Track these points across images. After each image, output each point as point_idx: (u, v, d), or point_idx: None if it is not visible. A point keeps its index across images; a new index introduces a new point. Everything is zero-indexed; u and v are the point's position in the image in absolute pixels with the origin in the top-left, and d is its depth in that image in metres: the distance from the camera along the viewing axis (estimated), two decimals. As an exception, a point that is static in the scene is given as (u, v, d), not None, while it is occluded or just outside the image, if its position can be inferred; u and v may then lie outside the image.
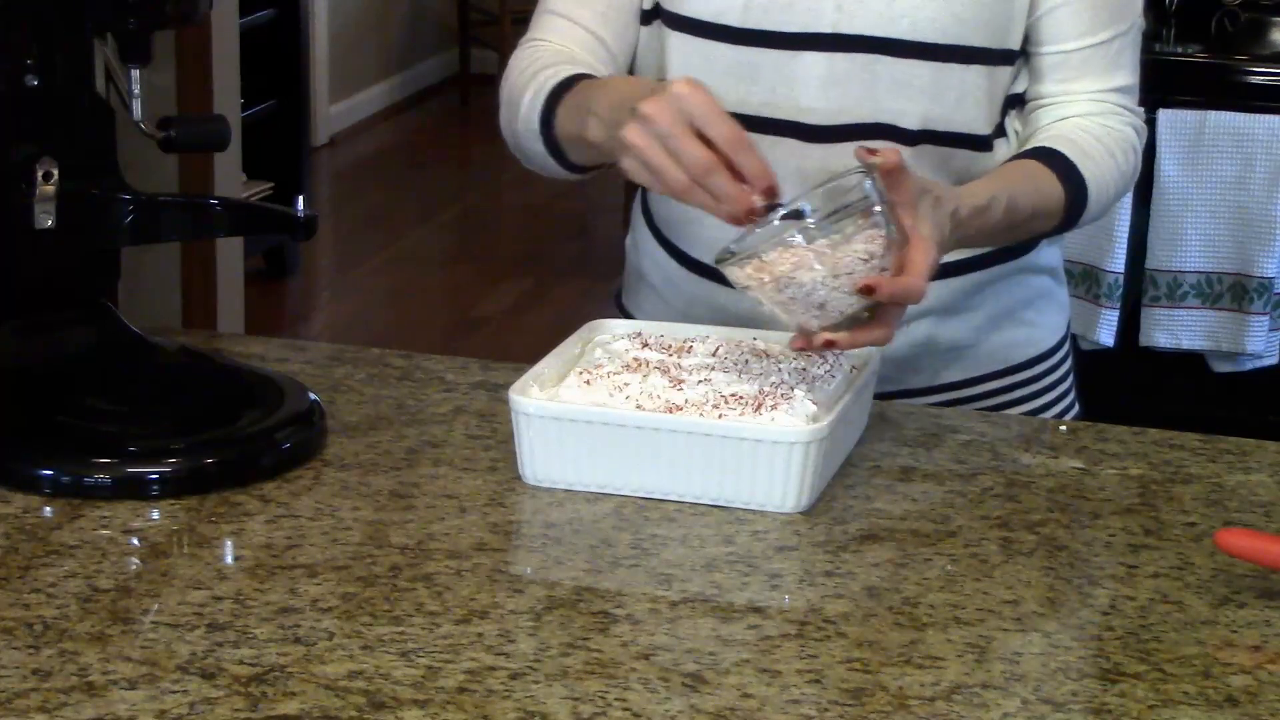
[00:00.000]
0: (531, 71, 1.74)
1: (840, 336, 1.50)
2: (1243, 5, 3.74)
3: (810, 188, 1.54)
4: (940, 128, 1.72)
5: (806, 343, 1.51)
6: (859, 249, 1.47)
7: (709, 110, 1.47)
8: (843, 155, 1.70)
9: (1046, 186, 1.70)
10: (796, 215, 1.50)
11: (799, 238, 1.46)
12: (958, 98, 1.72)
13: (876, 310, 1.51)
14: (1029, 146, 1.74)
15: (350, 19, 7.33)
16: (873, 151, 1.49)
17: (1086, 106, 1.76)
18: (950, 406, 1.80)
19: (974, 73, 1.72)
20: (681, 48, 1.74)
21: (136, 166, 1.74)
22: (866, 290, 1.47)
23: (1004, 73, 1.75)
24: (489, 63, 7.63)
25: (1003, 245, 1.77)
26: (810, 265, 1.46)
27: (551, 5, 1.81)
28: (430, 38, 8.00)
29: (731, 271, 1.50)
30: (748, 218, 1.48)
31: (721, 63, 1.72)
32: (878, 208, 1.47)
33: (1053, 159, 1.72)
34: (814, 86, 1.71)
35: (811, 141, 1.72)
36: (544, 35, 1.80)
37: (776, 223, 1.50)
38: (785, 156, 1.71)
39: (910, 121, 1.72)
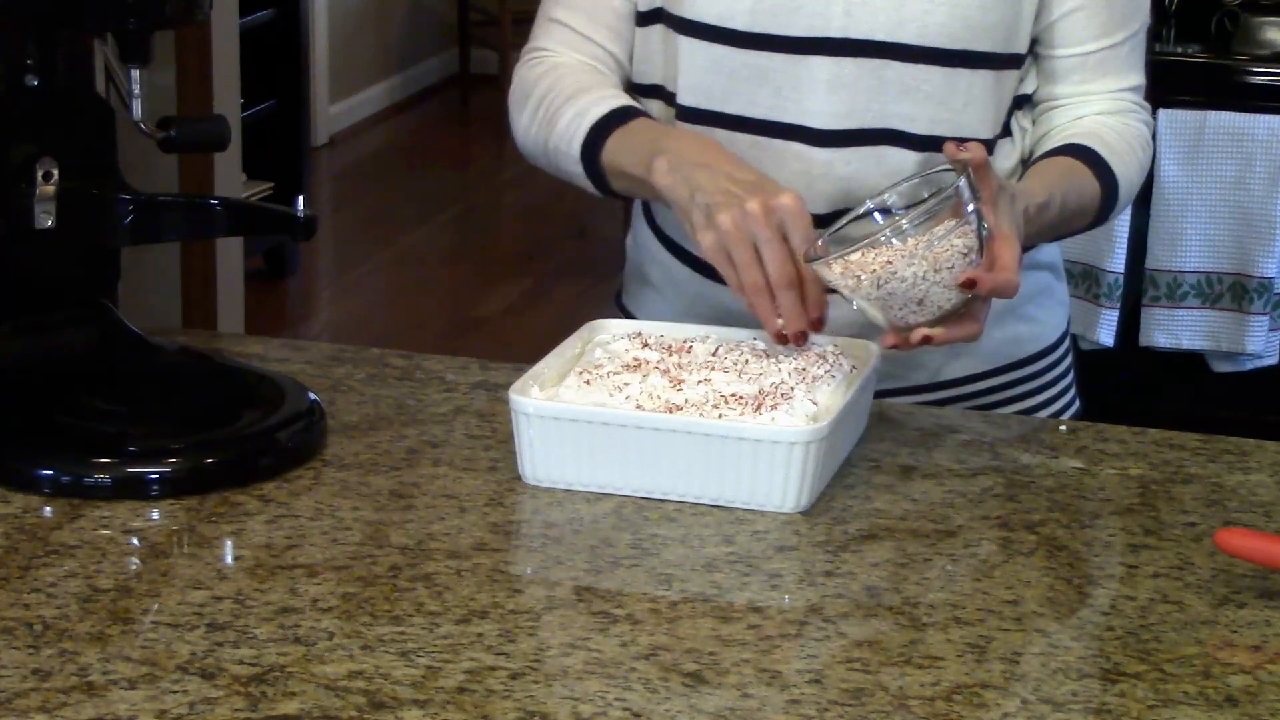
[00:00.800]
0: (568, 90, 1.74)
1: (937, 332, 1.53)
2: (1243, 5, 3.74)
3: (891, 186, 1.59)
4: (947, 132, 1.72)
5: (901, 340, 1.53)
6: (958, 244, 1.49)
7: (805, 232, 1.54)
8: (849, 160, 1.71)
9: (1087, 183, 1.73)
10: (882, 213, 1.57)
11: (891, 236, 1.49)
12: (965, 102, 1.72)
13: (968, 306, 1.53)
14: (1060, 143, 1.75)
15: (350, 19, 7.33)
16: (961, 147, 1.51)
17: (1105, 104, 1.78)
18: (953, 403, 1.80)
19: (981, 77, 1.72)
20: (691, 52, 1.74)
21: (136, 166, 1.74)
22: (969, 284, 1.51)
23: (1011, 76, 1.75)
24: (489, 63, 7.63)
25: (1048, 242, 1.80)
26: (910, 261, 1.48)
27: (557, 14, 1.80)
28: (430, 38, 8.00)
29: (824, 269, 1.52)
30: (793, 340, 1.56)
31: (728, 66, 1.72)
32: (971, 206, 1.50)
33: (1087, 156, 1.73)
34: (821, 91, 1.71)
35: (818, 146, 1.72)
36: (551, 45, 1.80)
37: (865, 217, 1.56)
38: (791, 160, 1.72)
39: (918, 126, 1.72)
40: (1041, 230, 1.68)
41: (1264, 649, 1.29)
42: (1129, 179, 1.76)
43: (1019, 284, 1.53)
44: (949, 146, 1.53)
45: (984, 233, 1.51)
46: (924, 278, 1.49)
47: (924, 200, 1.52)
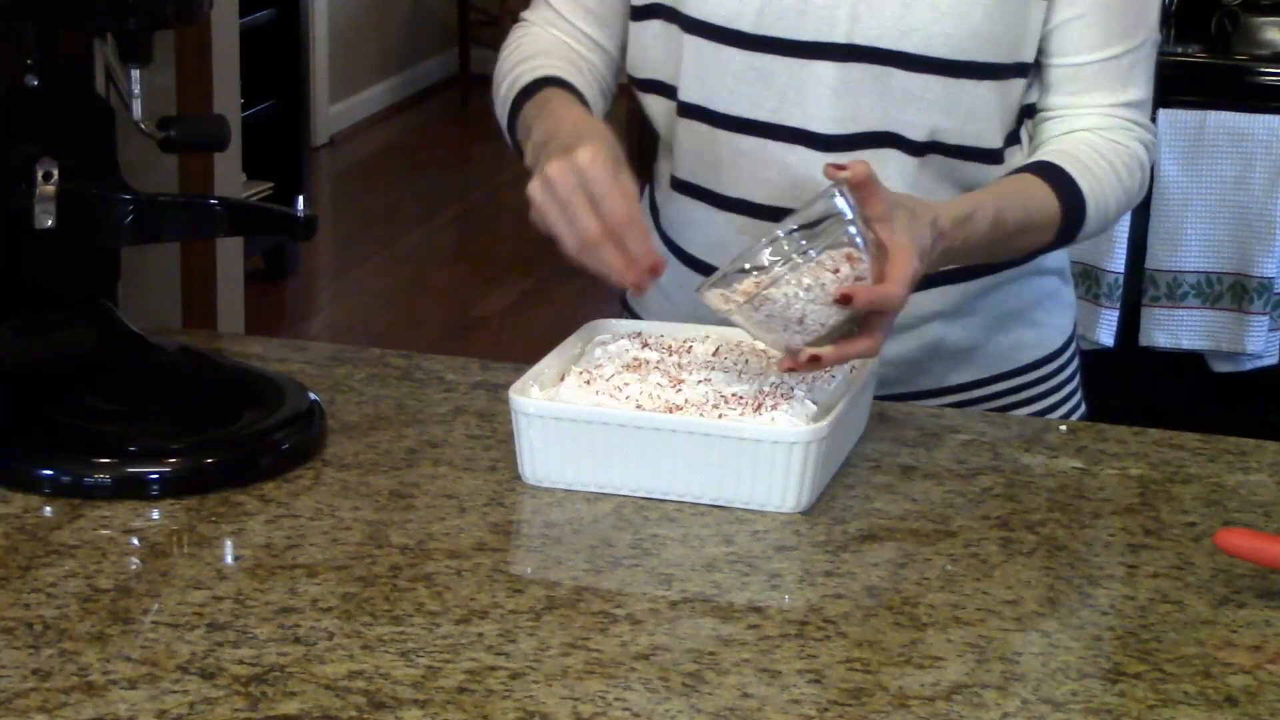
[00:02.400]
0: (513, 61, 1.80)
1: (825, 351, 1.50)
2: (1243, 5, 3.74)
3: (796, 212, 1.55)
4: (949, 140, 1.71)
5: (794, 362, 1.51)
6: (829, 260, 1.48)
7: (605, 185, 1.52)
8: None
9: (1040, 200, 1.69)
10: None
11: (771, 257, 1.49)
12: (969, 111, 1.71)
13: (863, 322, 1.51)
14: (1029, 161, 1.73)
15: (350, 19, 7.33)
16: (841, 167, 1.50)
17: (1095, 120, 1.74)
18: (960, 408, 1.79)
19: (986, 87, 1.71)
20: (696, 51, 1.74)
21: (136, 166, 1.74)
22: (844, 300, 1.48)
23: (1017, 85, 1.74)
24: (489, 63, 7.53)
25: (998, 260, 1.75)
26: (782, 281, 1.47)
27: None
28: (430, 38, 8.00)
29: (709, 298, 1.52)
30: (635, 289, 1.56)
31: (733, 67, 1.72)
32: (851, 225, 1.48)
33: (1050, 173, 1.70)
34: (825, 95, 1.70)
35: (820, 150, 1.71)
36: (535, 19, 1.86)
37: (759, 246, 1.54)
38: (793, 164, 1.71)
39: (920, 134, 1.71)
40: (975, 245, 1.64)
41: (1264, 649, 1.29)
42: (1101, 198, 1.71)
43: (903, 298, 1.50)
44: (828, 167, 1.51)
45: (866, 248, 1.48)
46: (797, 297, 1.47)
47: (797, 225, 1.51)
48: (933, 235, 1.56)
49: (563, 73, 1.77)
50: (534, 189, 1.54)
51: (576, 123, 1.64)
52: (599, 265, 1.54)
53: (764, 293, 1.47)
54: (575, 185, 1.52)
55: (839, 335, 1.50)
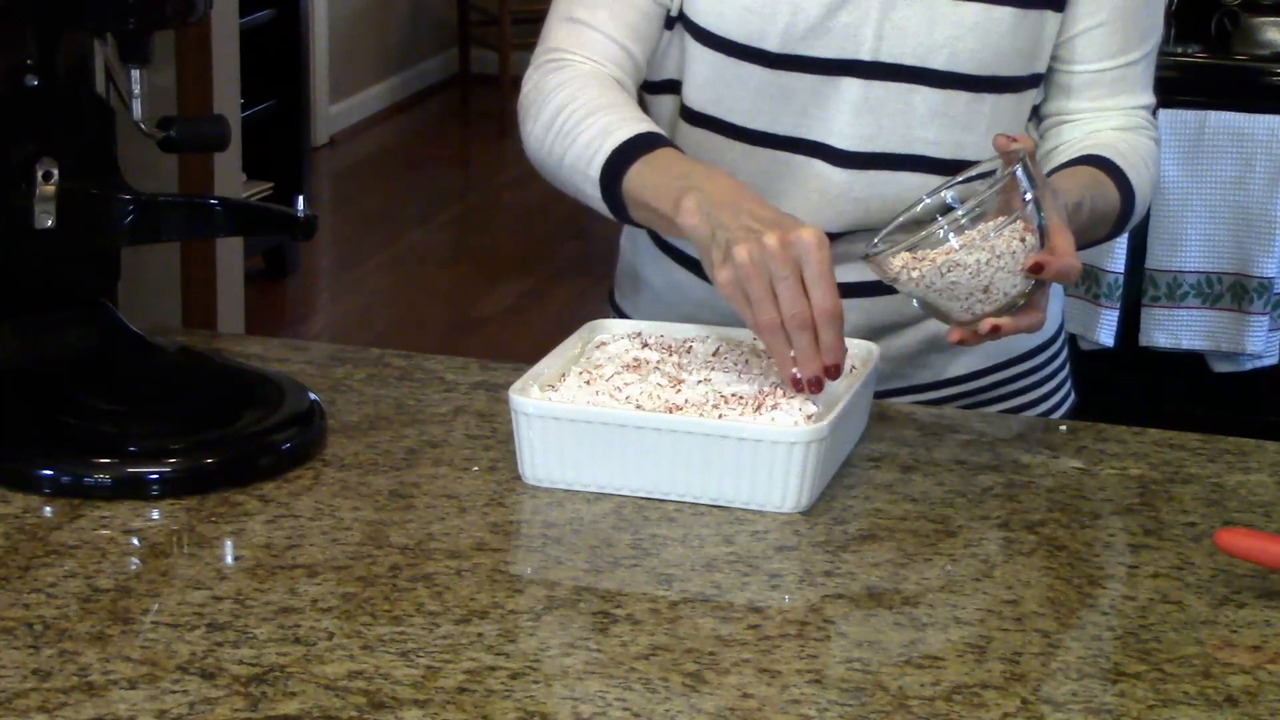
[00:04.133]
0: (590, 105, 1.67)
1: (1005, 321, 1.52)
2: (1243, 5, 3.74)
3: (943, 185, 1.58)
4: (969, 156, 1.71)
5: (968, 334, 1.53)
6: (1019, 229, 1.50)
7: (823, 272, 1.47)
8: (869, 182, 1.71)
9: (1110, 192, 1.72)
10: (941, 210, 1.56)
11: (949, 228, 1.50)
12: (988, 125, 1.72)
13: (1030, 295, 1.53)
14: (1079, 154, 1.75)
15: (350, 19, 7.33)
16: (1012, 139, 1.52)
17: (1119, 120, 1.78)
18: (956, 400, 1.80)
19: (1005, 100, 1.73)
20: (711, 64, 1.72)
21: (136, 166, 1.73)
22: (1035, 269, 1.50)
23: (1030, 95, 1.77)
24: (489, 63, 7.63)
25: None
26: (974, 248, 1.49)
27: (577, 13, 1.72)
28: (430, 38, 8.00)
29: (885, 263, 1.52)
30: (808, 387, 1.49)
31: (753, 83, 1.71)
32: (1029, 194, 1.50)
33: (1107, 166, 1.73)
34: (847, 112, 1.70)
35: (839, 166, 1.71)
36: (571, 48, 1.72)
37: (919, 211, 1.56)
38: (810, 179, 1.72)
39: (941, 151, 1.72)
40: (1076, 232, 1.65)
41: (1264, 649, 1.29)
42: (1144, 192, 1.76)
43: (1080, 268, 1.53)
44: (999, 138, 1.54)
45: (1042, 220, 1.52)
46: (987, 264, 1.50)
47: (979, 193, 1.53)
48: (1069, 215, 1.59)
49: (656, 128, 1.66)
50: (743, 252, 1.47)
51: (760, 198, 1.56)
52: (785, 347, 1.48)
53: (954, 258, 1.48)
54: (795, 262, 1.47)
55: (1011, 306, 1.53)
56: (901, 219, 1.58)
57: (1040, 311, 1.55)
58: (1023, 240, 1.50)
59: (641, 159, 1.62)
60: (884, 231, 1.56)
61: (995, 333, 1.52)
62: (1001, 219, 1.50)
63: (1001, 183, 1.51)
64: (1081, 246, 1.76)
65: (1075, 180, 1.70)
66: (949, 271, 1.50)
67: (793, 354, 1.48)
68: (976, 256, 1.49)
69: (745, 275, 1.48)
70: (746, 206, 1.53)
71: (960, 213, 1.51)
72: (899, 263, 1.51)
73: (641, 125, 1.65)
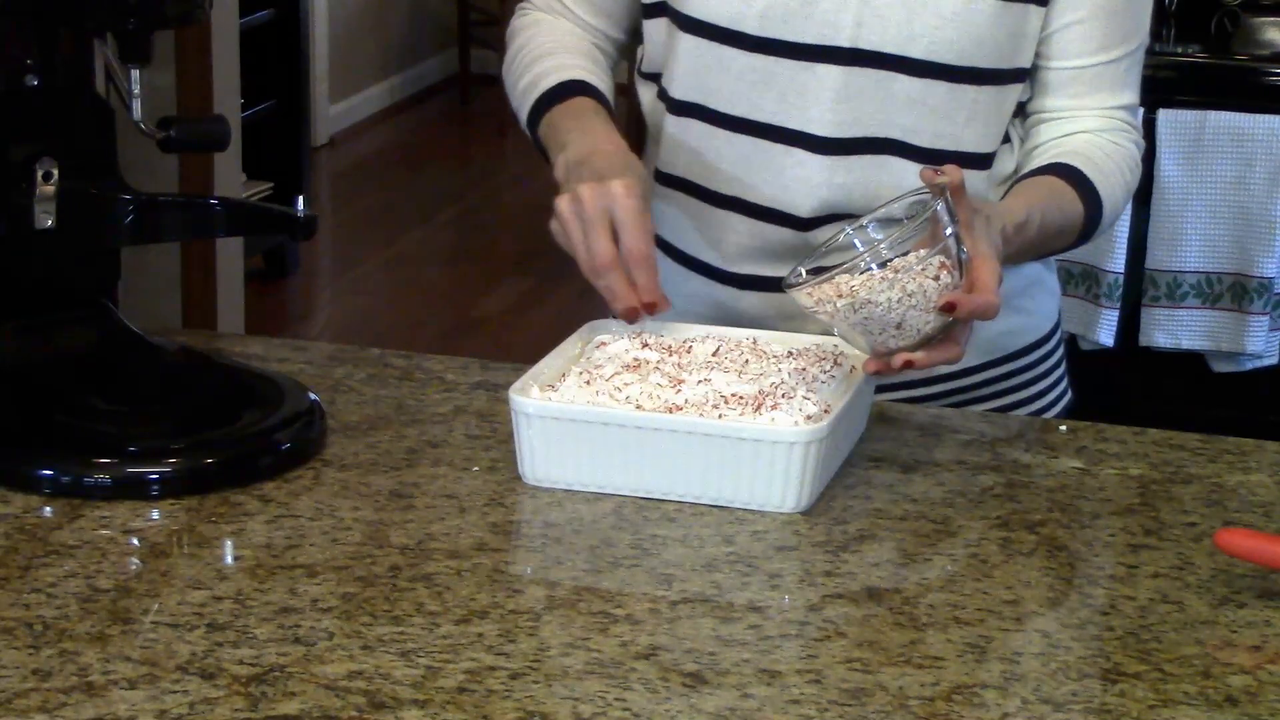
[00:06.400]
0: (533, 53, 1.81)
1: (918, 356, 1.52)
2: (1243, 5, 3.74)
3: (872, 212, 1.59)
4: (948, 146, 1.72)
5: (883, 365, 1.53)
6: (934, 267, 1.49)
7: (630, 218, 1.58)
8: (849, 168, 1.71)
9: (1070, 203, 1.71)
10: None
11: (871, 261, 1.49)
12: (968, 117, 1.72)
13: (948, 328, 1.53)
14: (1047, 162, 1.74)
15: (350, 19, 7.33)
16: (938, 171, 1.51)
17: (1096, 122, 1.77)
18: (951, 396, 1.80)
19: (986, 93, 1.72)
20: (694, 50, 1.74)
21: (136, 166, 1.74)
22: (948, 308, 1.50)
23: (1014, 89, 1.75)
24: (489, 63, 7.62)
25: (1030, 261, 1.79)
26: (886, 286, 1.48)
27: None
28: (430, 38, 8.00)
29: (801, 296, 1.52)
30: (627, 318, 1.60)
31: (734, 68, 1.72)
32: (949, 229, 1.50)
33: (1072, 176, 1.72)
34: (826, 99, 1.71)
35: (819, 153, 1.72)
36: (540, 5, 1.87)
37: (843, 241, 1.57)
38: (790, 166, 1.72)
39: (920, 139, 1.72)
40: (1022, 250, 1.67)
41: (1264, 649, 1.29)
42: (1114, 200, 1.75)
43: (999, 306, 1.52)
44: (925, 171, 1.53)
45: (963, 255, 1.51)
46: (900, 302, 1.49)
47: (901, 225, 1.52)
48: (1002, 241, 1.59)
49: (590, 76, 1.79)
50: (562, 203, 1.61)
51: (614, 154, 1.66)
52: (604, 288, 1.59)
53: (866, 298, 1.48)
54: (603, 210, 1.59)
55: (926, 340, 1.53)
56: (824, 248, 1.59)
57: (958, 345, 1.54)
58: (936, 279, 1.49)
59: (551, 110, 1.76)
60: (809, 261, 1.57)
61: (909, 366, 1.52)
62: (919, 253, 1.49)
63: (923, 218, 1.50)
64: (1037, 258, 1.79)
65: (1028, 195, 1.69)
66: (861, 308, 1.49)
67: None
68: (888, 295, 1.49)
69: (562, 223, 1.62)
70: (592, 164, 1.64)
71: (881, 247, 1.51)
72: (816, 295, 1.51)
73: (566, 74, 1.78)
